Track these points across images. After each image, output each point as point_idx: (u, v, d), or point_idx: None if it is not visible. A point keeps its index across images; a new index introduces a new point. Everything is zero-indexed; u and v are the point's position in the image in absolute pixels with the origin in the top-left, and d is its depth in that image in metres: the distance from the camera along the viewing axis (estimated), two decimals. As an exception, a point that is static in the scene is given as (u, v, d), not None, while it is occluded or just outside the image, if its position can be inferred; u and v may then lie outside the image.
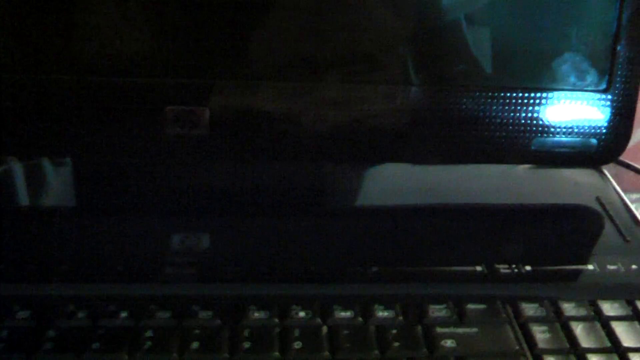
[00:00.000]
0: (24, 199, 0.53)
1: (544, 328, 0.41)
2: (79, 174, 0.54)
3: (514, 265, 0.45)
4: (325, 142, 0.51)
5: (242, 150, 0.51)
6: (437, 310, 0.41)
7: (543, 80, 0.51)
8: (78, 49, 0.48)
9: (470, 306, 0.42)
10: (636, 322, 0.42)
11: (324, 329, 0.40)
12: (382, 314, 0.41)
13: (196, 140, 0.49)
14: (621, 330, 0.41)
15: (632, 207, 0.53)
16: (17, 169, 0.54)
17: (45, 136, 0.49)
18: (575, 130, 0.52)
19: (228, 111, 0.49)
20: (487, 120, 0.51)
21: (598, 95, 0.51)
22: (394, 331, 0.40)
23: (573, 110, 0.51)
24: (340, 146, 0.51)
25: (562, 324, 0.41)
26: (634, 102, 0.52)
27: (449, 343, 0.39)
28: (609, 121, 0.52)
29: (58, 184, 0.54)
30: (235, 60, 0.49)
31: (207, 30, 0.48)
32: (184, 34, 0.48)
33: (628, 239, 0.50)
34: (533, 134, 0.51)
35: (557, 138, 0.52)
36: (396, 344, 0.39)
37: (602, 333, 0.41)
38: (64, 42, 0.48)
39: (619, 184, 0.56)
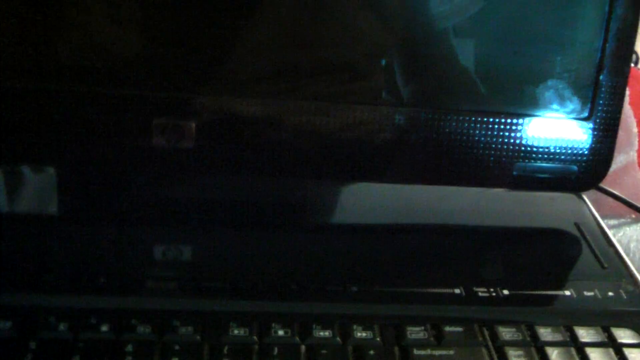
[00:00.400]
0: (5, 207, 0.53)
1: (520, 352, 0.41)
2: (63, 183, 0.54)
3: (492, 289, 0.46)
4: (309, 157, 0.51)
5: (227, 164, 0.51)
6: (414, 332, 0.42)
7: (526, 106, 0.52)
8: (66, 59, 0.48)
9: (448, 328, 0.42)
10: (611, 349, 0.42)
11: (303, 348, 0.40)
12: (360, 334, 0.41)
13: (182, 153, 0.50)
14: (596, 356, 0.42)
15: (610, 233, 0.54)
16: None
17: (32, 145, 0.49)
18: (557, 156, 0.52)
19: (214, 125, 0.49)
20: (469, 143, 0.51)
21: (580, 123, 0.52)
22: (372, 352, 0.40)
23: (555, 136, 0.52)
24: (323, 162, 0.52)
25: (537, 349, 0.42)
26: (615, 131, 0.52)
27: (425, 365, 0.40)
28: (590, 148, 0.52)
29: (42, 193, 0.54)
30: (222, 74, 0.49)
31: (194, 44, 0.48)
32: (171, 47, 0.48)
33: (605, 265, 0.50)
34: (515, 159, 0.52)
35: (538, 163, 0.52)
36: (373, 365, 0.40)
37: (577, 359, 0.41)
38: (51, 51, 0.48)
39: (597, 210, 0.57)
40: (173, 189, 0.55)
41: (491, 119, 0.51)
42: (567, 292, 0.47)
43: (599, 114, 0.52)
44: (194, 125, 0.49)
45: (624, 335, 0.43)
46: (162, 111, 0.49)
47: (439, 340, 0.41)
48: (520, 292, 0.46)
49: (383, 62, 0.51)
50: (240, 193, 0.55)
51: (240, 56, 0.49)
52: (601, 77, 0.51)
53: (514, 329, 0.43)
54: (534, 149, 0.52)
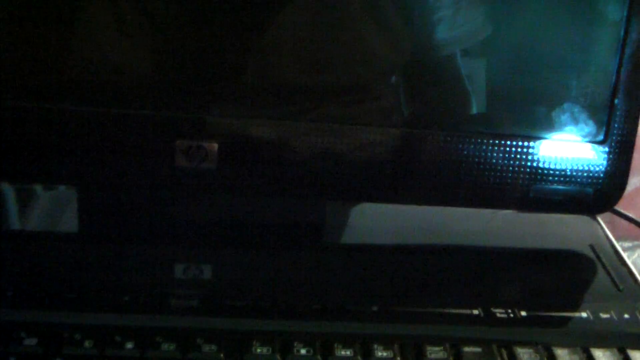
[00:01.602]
0: (31, 226, 0.54)
1: (538, 373, 0.42)
2: (86, 203, 0.55)
3: (509, 310, 0.46)
4: (325, 179, 0.52)
5: (248, 184, 0.52)
6: (434, 352, 0.42)
7: (542, 129, 0.52)
8: (91, 80, 0.49)
9: (467, 348, 0.43)
10: (627, 371, 0.43)
11: (325, 366, 0.41)
12: (381, 353, 0.41)
13: (204, 173, 0.50)
14: (612, 377, 0.42)
15: (625, 255, 0.54)
16: (22, 196, 0.55)
17: (55, 165, 0.50)
18: (573, 179, 0.53)
19: (235, 145, 0.50)
20: (485, 165, 0.52)
21: (595, 146, 0.52)
22: (392, 371, 0.41)
23: (571, 159, 0.52)
24: (340, 183, 0.52)
25: (555, 370, 0.42)
26: (630, 154, 0.53)
27: (445, 385, 0.41)
28: (606, 171, 0.53)
29: (66, 212, 0.55)
30: (239, 96, 0.50)
31: (217, 67, 0.49)
32: (194, 70, 0.49)
33: (620, 287, 0.50)
34: (531, 182, 0.52)
35: (554, 186, 0.53)
36: (394, 384, 0.40)
37: (594, 380, 0.42)
38: (76, 73, 0.49)
39: (612, 232, 0.57)
40: (195, 209, 0.55)
41: (507, 142, 0.52)
42: (584, 314, 0.47)
43: (614, 137, 0.52)
44: (216, 146, 0.50)
45: (640, 357, 0.44)
46: (185, 132, 0.49)
47: (458, 360, 0.42)
48: (537, 313, 0.46)
49: (397, 84, 0.52)
50: (261, 212, 0.55)
51: (257, 78, 0.50)
52: (616, 101, 0.51)
53: (531, 350, 0.43)
54: (550, 172, 0.52)
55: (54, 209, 0.55)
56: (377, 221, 0.57)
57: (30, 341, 0.40)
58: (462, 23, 0.50)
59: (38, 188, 0.55)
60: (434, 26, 0.50)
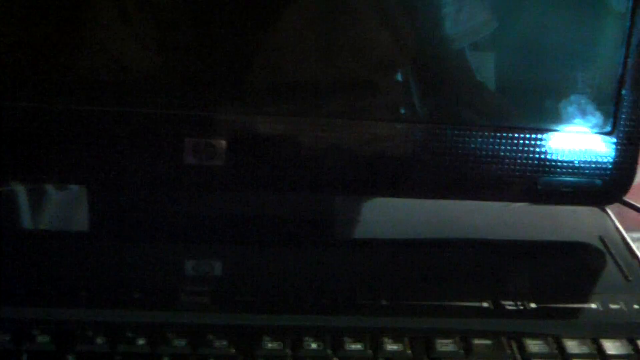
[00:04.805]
0: (43, 225, 0.54)
1: (548, 365, 0.42)
2: (97, 202, 0.55)
3: (519, 302, 0.46)
4: (333, 174, 0.52)
5: (256, 180, 0.52)
6: (444, 345, 0.42)
7: (550, 121, 0.52)
8: (98, 80, 0.49)
9: (477, 341, 0.43)
10: (637, 361, 0.43)
11: (335, 360, 0.41)
12: (390, 347, 0.42)
13: (213, 170, 0.50)
14: (622, 368, 0.42)
15: (634, 246, 0.54)
16: (32, 195, 0.55)
17: (64, 164, 0.50)
18: (581, 170, 0.53)
19: (244, 142, 0.50)
20: (493, 158, 0.52)
21: (603, 137, 0.52)
22: (402, 364, 0.41)
23: (579, 151, 0.52)
24: (349, 178, 0.52)
25: (565, 361, 0.42)
26: (638, 144, 0.53)
27: (455, 377, 0.41)
28: (614, 162, 0.53)
29: (76, 211, 0.55)
30: (248, 93, 0.50)
31: (224, 64, 0.49)
32: (201, 67, 0.49)
33: (630, 278, 0.50)
34: (539, 174, 0.52)
35: (562, 178, 0.53)
36: (404, 377, 0.40)
37: (604, 371, 0.42)
38: (84, 72, 0.49)
39: (621, 223, 0.57)
40: (204, 206, 0.56)
41: (515, 135, 0.52)
42: (593, 305, 0.47)
43: (621, 128, 0.52)
44: (224, 143, 0.50)
45: (650, 348, 0.44)
46: (193, 130, 0.50)
47: (468, 352, 0.42)
48: (547, 305, 0.46)
49: (405, 79, 0.52)
50: (270, 209, 0.56)
51: (265, 75, 0.50)
52: (623, 92, 0.51)
53: (541, 342, 0.43)
54: (558, 164, 0.52)
55: (64, 208, 0.55)
56: (386, 215, 0.57)
57: (43, 338, 0.40)
58: (467, 19, 0.50)
59: (47, 187, 0.55)
60: (439, 22, 0.50)
